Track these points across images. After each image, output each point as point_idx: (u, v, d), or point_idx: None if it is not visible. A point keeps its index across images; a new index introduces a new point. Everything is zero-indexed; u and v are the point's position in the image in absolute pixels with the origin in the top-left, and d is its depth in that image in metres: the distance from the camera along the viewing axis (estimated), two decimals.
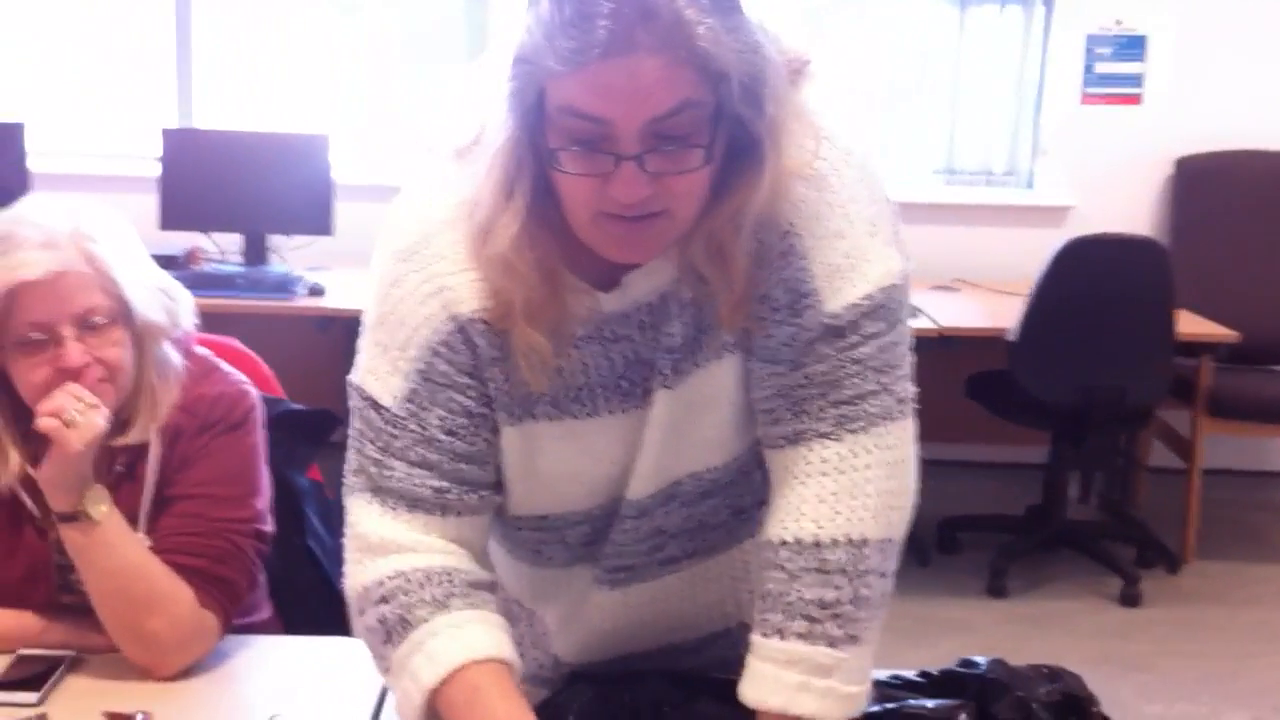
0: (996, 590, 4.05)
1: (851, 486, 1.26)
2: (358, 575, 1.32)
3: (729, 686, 1.29)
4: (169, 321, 1.69)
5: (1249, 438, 4.80)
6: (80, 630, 1.67)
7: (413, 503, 1.30)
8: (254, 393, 1.77)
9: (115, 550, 1.61)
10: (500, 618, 1.31)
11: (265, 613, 1.89)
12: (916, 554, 4.15)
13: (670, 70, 1.09)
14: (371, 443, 1.31)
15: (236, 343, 2.03)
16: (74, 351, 1.57)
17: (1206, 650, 3.74)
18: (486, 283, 1.25)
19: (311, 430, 2.00)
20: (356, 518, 1.33)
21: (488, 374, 1.29)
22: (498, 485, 1.36)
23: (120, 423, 1.65)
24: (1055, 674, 1.41)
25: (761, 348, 1.29)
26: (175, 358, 1.70)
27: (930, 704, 1.37)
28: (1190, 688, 3.50)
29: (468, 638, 1.26)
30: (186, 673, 1.64)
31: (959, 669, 1.43)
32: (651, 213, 1.16)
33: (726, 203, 1.19)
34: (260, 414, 1.77)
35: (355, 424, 1.33)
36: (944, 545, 4.34)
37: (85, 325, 1.59)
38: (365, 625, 1.31)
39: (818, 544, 1.26)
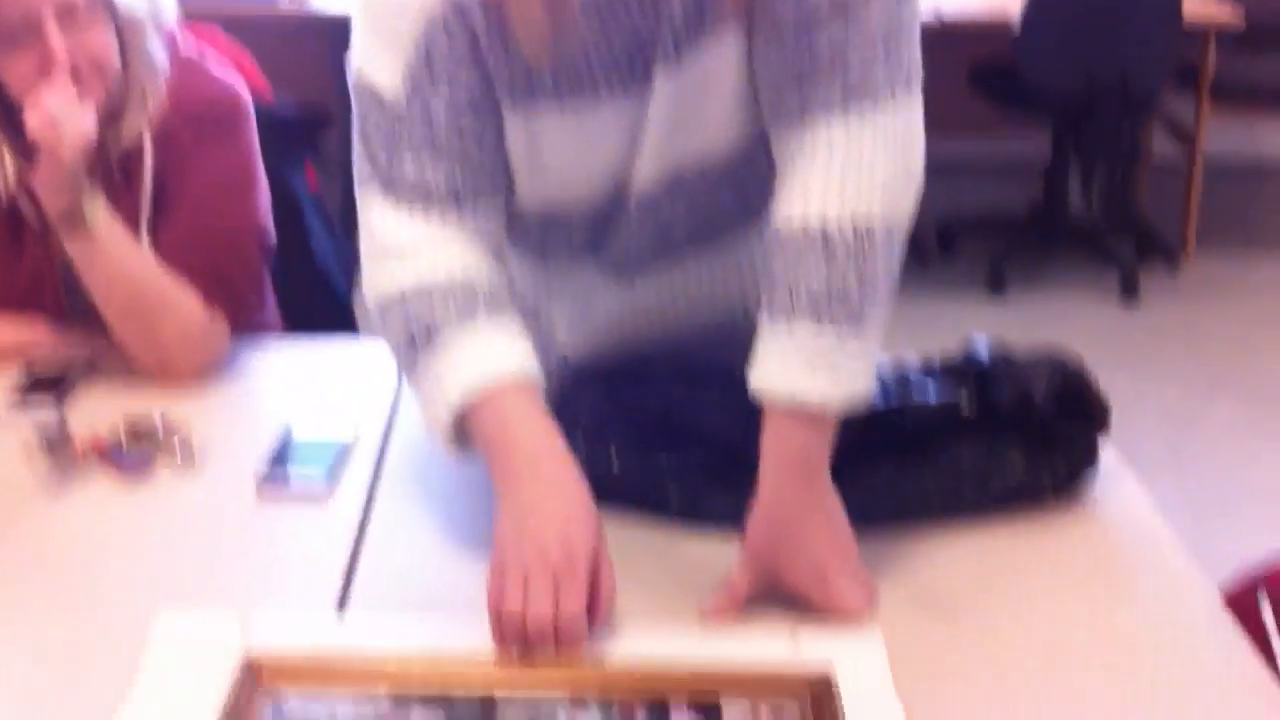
0: (996, 288, 4.08)
1: (859, 165, 1.24)
2: (376, 279, 1.31)
3: (734, 379, 1.30)
4: (150, 11, 1.64)
5: (1252, 123, 4.74)
6: (91, 336, 1.69)
7: (426, 195, 1.28)
8: (245, 92, 1.73)
9: (118, 259, 1.61)
10: (522, 328, 1.31)
11: (273, 320, 1.90)
12: (916, 254, 4.16)
13: None
14: (377, 134, 1.28)
15: (219, 31, 1.97)
16: (57, 39, 1.53)
17: (1204, 341, 3.80)
18: None
19: (303, 129, 1.97)
20: (369, 218, 1.31)
21: (487, 54, 1.25)
22: (508, 170, 1.35)
23: (111, 119, 1.63)
24: (1055, 359, 1.43)
25: (765, 23, 1.25)
26: (161, 53, 1.66)
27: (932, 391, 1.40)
28: (1186, 377, 3.57)
29: (493, 351, 1.26)
30: (201, 377, 1.66)
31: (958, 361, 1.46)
32: None
33: None
34: (252, 113, 1.73)
35: (359, 117, 1.30)
36: (944, 244, 4.35)
37: (66, 14, 1.54)
38: (386, 329, 1.31)
39: (824, 226, 1.24)
